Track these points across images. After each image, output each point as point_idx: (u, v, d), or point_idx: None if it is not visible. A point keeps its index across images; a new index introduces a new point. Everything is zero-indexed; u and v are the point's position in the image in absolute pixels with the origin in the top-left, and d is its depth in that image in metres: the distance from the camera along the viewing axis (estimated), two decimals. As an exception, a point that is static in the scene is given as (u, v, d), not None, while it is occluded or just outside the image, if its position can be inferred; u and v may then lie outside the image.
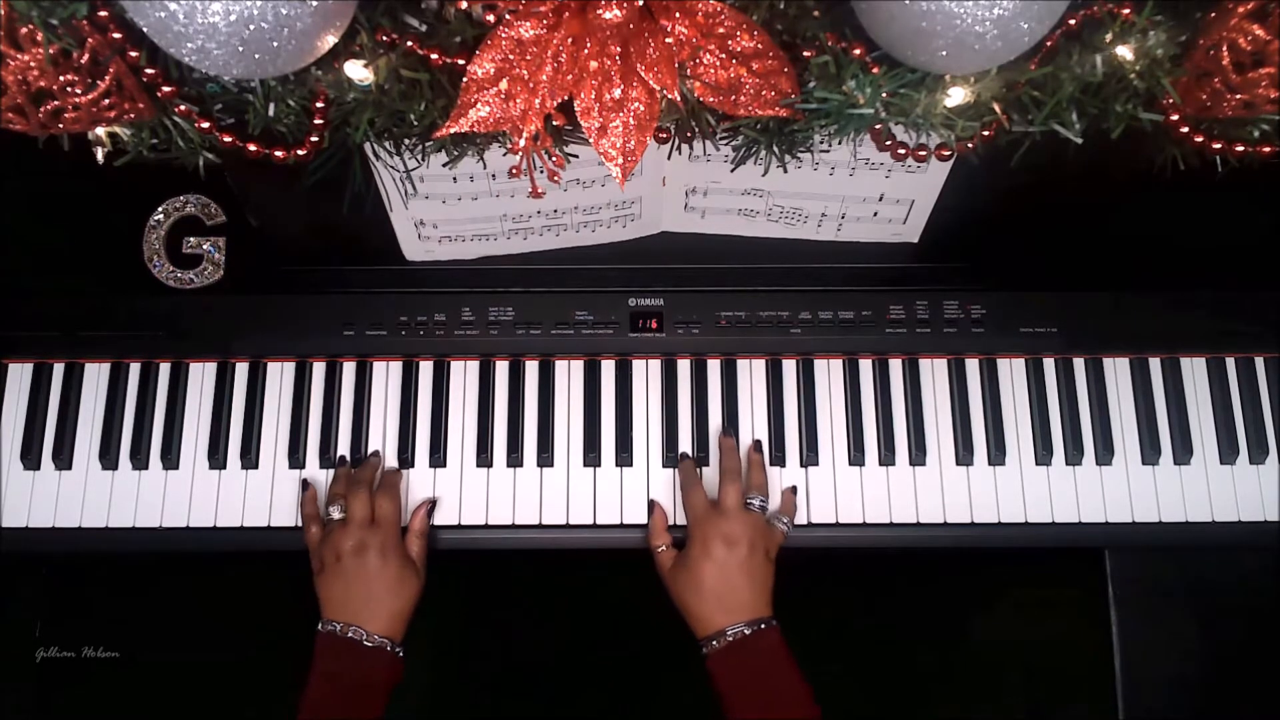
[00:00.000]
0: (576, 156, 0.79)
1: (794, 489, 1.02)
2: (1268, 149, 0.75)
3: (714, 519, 0.94)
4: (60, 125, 0.68)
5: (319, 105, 0.71)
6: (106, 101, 0.67)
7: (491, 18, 0.66)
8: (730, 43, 0.68)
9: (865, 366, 1.06)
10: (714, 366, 1.06)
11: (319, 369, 1.06)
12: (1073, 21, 0.68)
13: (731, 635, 0.89)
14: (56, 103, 0.66)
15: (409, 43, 0.68)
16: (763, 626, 0.90)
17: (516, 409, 1.04)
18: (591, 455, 1.03)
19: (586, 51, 0.67)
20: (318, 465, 1.03)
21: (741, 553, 0.92)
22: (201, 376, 1.05)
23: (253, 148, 0.73)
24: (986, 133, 0.73)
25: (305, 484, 1.01)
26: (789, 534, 0.98)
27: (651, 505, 1.01)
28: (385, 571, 0.92)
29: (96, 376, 1.05)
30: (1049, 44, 0.68)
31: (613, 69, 0.68)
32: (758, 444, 1.03)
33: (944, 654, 1.26)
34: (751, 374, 1.06)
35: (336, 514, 0.95)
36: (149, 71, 0.67)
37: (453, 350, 1.05)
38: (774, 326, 1.04)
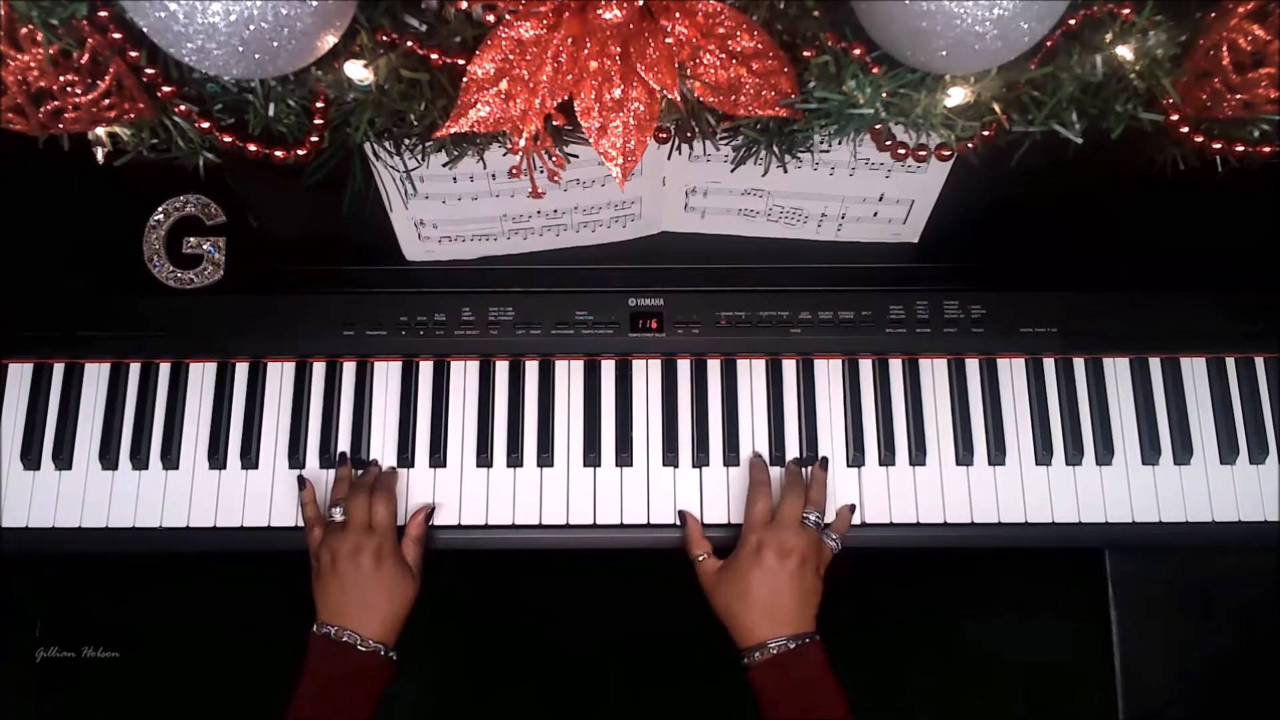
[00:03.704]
0: (576, 156, 0.79)
1: (852, 507, 1.01)
2: (1268, 149, 0.74)
3: (770, 528, 0.93)
4: (60, 125, 0.68)
5: (319, 105, 0.71)
6: (106, 101, 0.67)
7: (491, 18, 0.66)
8: (730, 43, 0.68)
9: (865, 366, 1.06)
10: (714, 366, 1.06)
11: (319, 369, 1.06)
12: (1073, 21, 0.68)
13: (775, 648, 0.89)
14: (56, 103, 0.66)
15: (409, 43, 0.68)
16: (806, 641, 0.89)
17: (516, 409, 1.04)
18: (591, 455, 1.03)
19: (586, 51, 0.67)
20: (318, 465, 1.03)
21: (792, 565, 0.91)
22: (201, 376, 1.05)
23: (253, 148, 0.73)
24: (986, 133, 0.73)
25: (302, 481, 1.01)
26: (837, 551, 0.97)
27: (682, 516, 1.01)
28: (380, 576, 0.92)
29: (96, 376, 1.05)
30: (1049, 44, 0.68)
31: (613, 69, 0.68)
32: (824, 461, 1.03)
33: (944, 654, 1.26)
34: (751, 374, 1.06)
35: (339, 516, 0.95)
36: (149, 71, 0.67)
37: (453, 350, 1.05)
38: (774, 326, 1.04)
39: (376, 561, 0.92)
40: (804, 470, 1.02)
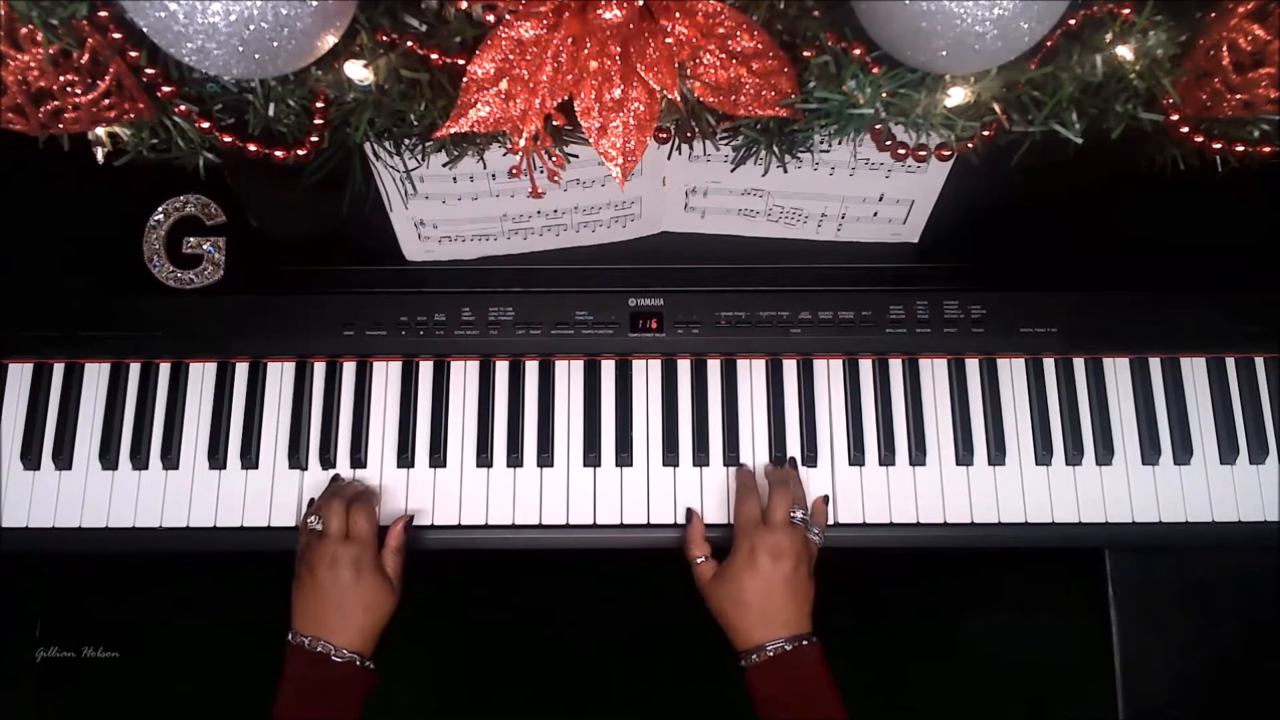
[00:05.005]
0: (576, 156, 0.79)
1: (826, 498, 1.01)
2: (1268, 149, 0.75)
3: (761, 532, 0.93)
4: (60, 125, 0.68)
5: (319, 105, 0.71)
6: (106, 101, 0.67)
7: (491, 18, 0.66)
8: (730, 43, 0.68)
9: (865, 366, 1.06)
10: (714, 366, 1.06)
11: (319, 369, 1.06)
12: (1073, 21, 0.68)
13: (772, 650, 0.88)
14: (56, 103, 0.66)
15: (409, 43, 0.68)
16: (804, 643, 0.89)
17: (516, 409, 1.04)
18: (591, 455, 1.03)
19: (586, 51, 0.67)
20: (318, 466, 1.03)
21: (786, 567, 0.91)
22: (201, 376, 1.05)
23: (253, 148, 0.73)
24: (986, 133, 0.73)
25: (312, 503, 1.00)
26: (821, 545, 0.97)
27: (689, 514, 1.01)
28: (358, 587, 0.91)
29: (96, 376, 1.05)
30: (1049, 44, 0.68)
31: (613, 69, 0.68)
32: (793, 460, 1.03)
33: (944, 654, 1.26)
34: (751, 374, 1.06)
35: (316, 525, 0.94)
36: (149, 71, 0.67)
37: (453, 350, 1.05)
38: (774, 326, 1.04)
39: (355, 572, 0.91)
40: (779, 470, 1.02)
